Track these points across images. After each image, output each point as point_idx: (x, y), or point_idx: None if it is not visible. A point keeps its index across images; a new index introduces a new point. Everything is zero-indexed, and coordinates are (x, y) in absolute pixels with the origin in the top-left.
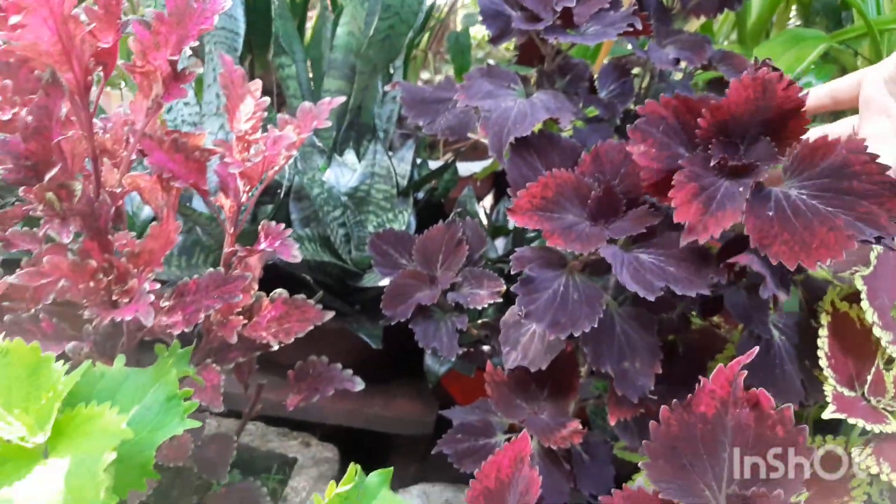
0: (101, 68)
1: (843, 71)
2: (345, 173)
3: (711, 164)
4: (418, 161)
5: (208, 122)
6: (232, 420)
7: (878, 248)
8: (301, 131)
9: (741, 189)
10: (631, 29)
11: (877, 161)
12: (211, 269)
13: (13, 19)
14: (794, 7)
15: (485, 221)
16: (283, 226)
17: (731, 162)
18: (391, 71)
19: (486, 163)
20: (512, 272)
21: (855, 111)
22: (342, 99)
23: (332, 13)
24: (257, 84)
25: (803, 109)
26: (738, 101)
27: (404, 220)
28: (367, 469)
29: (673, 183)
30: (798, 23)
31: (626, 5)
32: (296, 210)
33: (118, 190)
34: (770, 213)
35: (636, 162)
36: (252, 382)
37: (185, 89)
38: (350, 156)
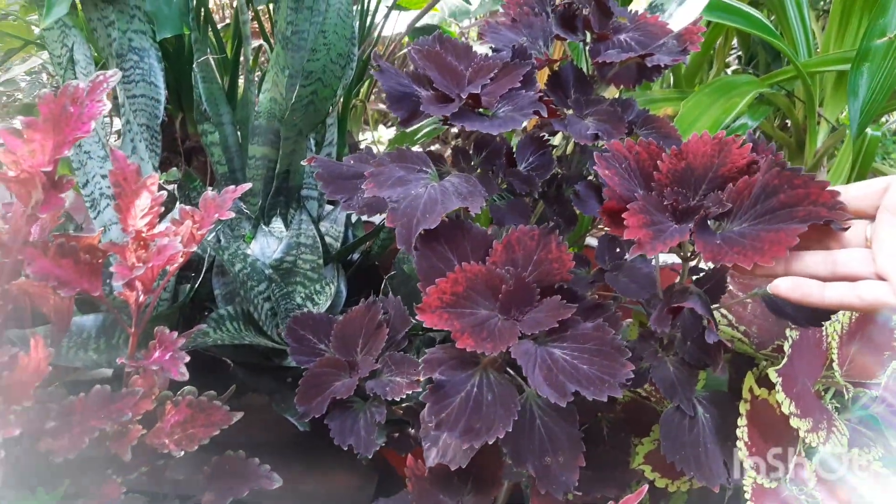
0: None
1: (778, 111)
2: (271, 243)
3: (664, 203)
4: (354, 219)
5: None
6: None
7: (792, 335)
8: (202, 225)
9: (690, 226)
10: (536, 115)
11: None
12: (97, 387)
13: None
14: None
15: None
16: (175, 334)
17: (681, 205)
18: (326, 127)
19: None
20: (420, 378)
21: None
22: (247, 186)
23: (257, 77)
24: (153, 178)
25: (755, 165)
26: (696, 154)
27: (332, 291)
28: None
29: (628, 207)
30: (740, 52)
31: (543, 77)
32: (219, 286)
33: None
34: (718, 241)
35: (551, 247)
36: (166, 481)
37: (63, 199)
38: (277, 223)
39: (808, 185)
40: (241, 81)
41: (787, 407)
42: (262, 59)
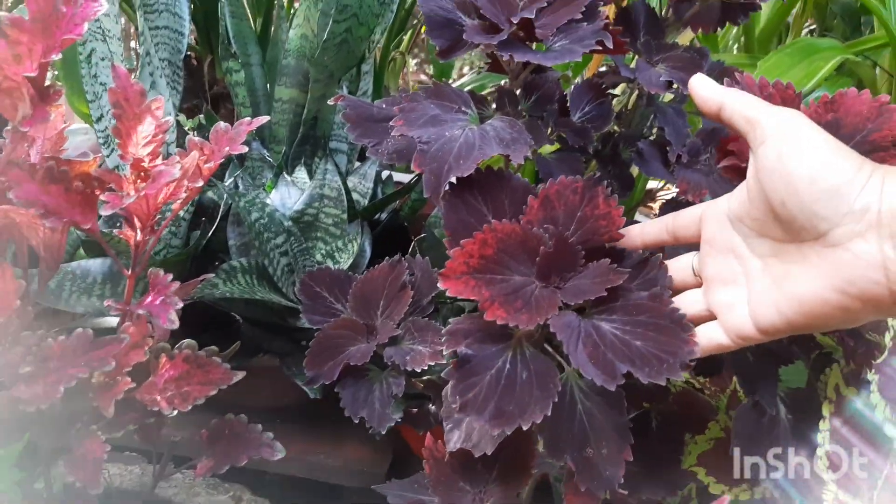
0: None
1: (860, 84)
2: (292, 194)
3: None
4: (385, 175)
5: None
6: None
7: (894, 326)
8: (211, 158)
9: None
10: (600, 47)
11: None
12: (79, 330)
13: None
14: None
15: None
16: (170, 277)
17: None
18: (361, 75)
19: None
20: (444, 351)
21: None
22: (263, 119)
23: (286, 13)
24: (159, 102)
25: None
26: (849, 110)
27: (354, 249)
28: None
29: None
30: (814, 26)
31: (610, 14)
32: (233, 236)
33: None
34: None
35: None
36: (163, 440)
37: (49, 111)
38: (301, 173)
39: None
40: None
41: (882, 411)
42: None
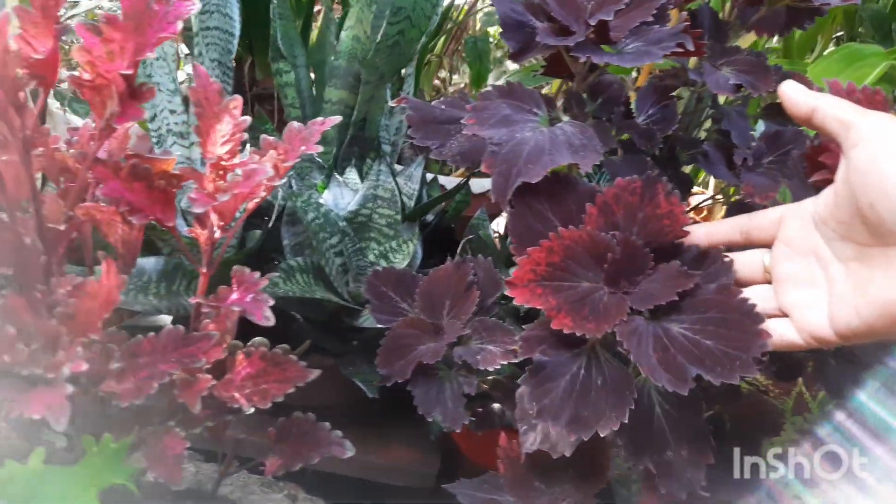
0: (36, 83)
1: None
2: (345, 194)
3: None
4: (429, 178)
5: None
6: (212, 465)
7: None
8: (287, 157)
9: None
10: (681, 50)
11: None
12: (170, 326)
13: None
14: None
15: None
16: (257, 275)
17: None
18: (402, 78)
19: None
20: (519, 358)
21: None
22: (336, 119)
23: (335, 15)
24: (237, 101)
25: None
26: None
27: (409, 250)
28: None
29: None
30: (840, 33)
31: (673, 19)
32: (288, 235)
33: (62, 227)
34: None
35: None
36: (228, 440)
37: (142, 110)
38: (352, 174)
39: None
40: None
41: None
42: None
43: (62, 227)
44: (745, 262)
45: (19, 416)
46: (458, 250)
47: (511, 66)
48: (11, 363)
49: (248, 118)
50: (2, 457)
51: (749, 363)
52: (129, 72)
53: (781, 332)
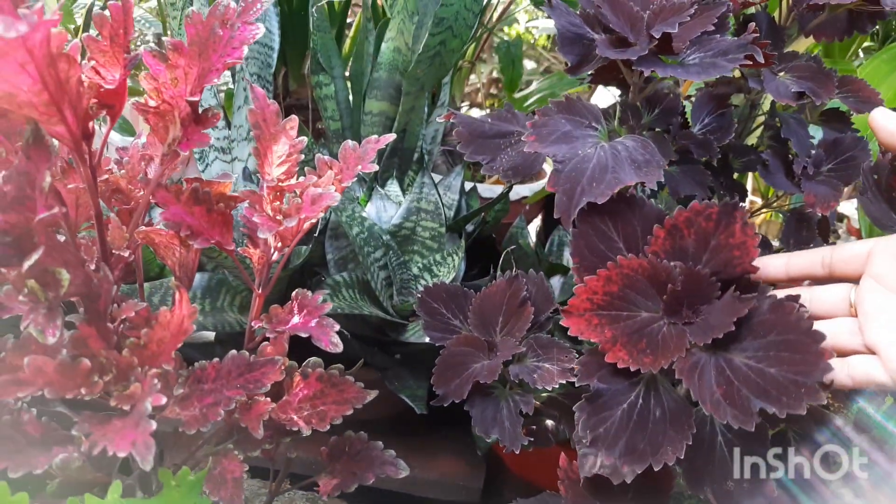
0: (105, 112)
1: None
2: (387, 207)
3: None
4: (467, 187)
5: (238, 147)
6: (258, 481)
7: None
8: (344, 178)
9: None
10: (749, 62)
11: None
12: (234, 352)
13: None
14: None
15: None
16: (320, 298)
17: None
18: (440, 87)
19: (538, 185)
20: (577, 384)
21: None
22: (391, 137)
23: (373, 26)
24: (293, 122)
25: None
26: None
27: (455, 263)
28: None
29: None
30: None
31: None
32: (332, 250)
33: (125, 252)
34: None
35: (734, 229)
36: (280, 459)
37: (207, 135)
38: (393, 186)
39: None
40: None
41: None
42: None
43: (125, 253)
44: (828, 297)
45: (103, 452)
46: (500, 262)
47: (529, 65)
48: (90, 392)
49: (305, 139)
50: (77, 489)
51: (815, 389)
52: (195, 98)
53: (867, 370)
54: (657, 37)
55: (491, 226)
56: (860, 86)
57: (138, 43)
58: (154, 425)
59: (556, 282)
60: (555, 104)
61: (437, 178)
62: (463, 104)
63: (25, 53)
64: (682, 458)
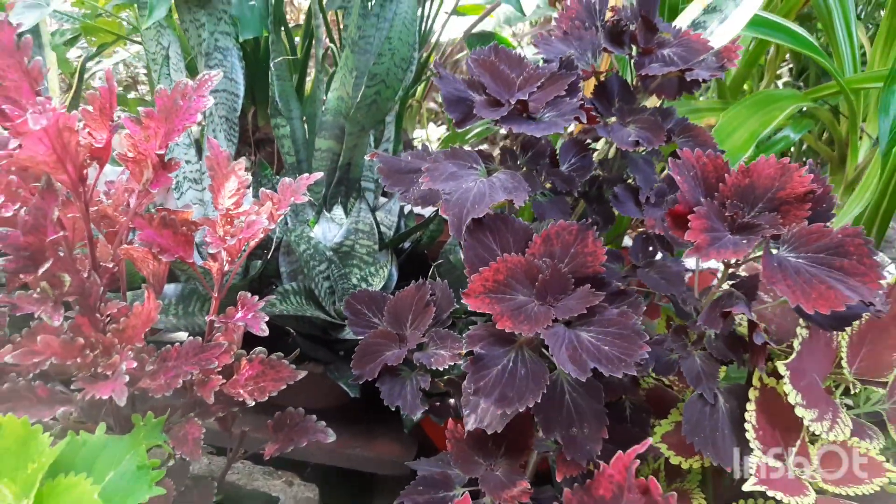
0: (95, 162)
1: (821, 125)
2: (332, 228)
3: (725, 214)
4: (407, 210)
5: (207, 178)
6: (223, 458)
7: (802, 333)
8: (280, 207)
9: (744, 241)
10: (580, 121)
11: (867, 245)
12: (191, 338)
13: (12, 143)
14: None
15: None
16: (255, 298)
17: (740, 219)
18: (385, 125)
19: None
20: (463, 352)
21: None
22: (319, 175)
23: (324, 76)
24: (241, 164)
25: (811, 195)
26: (761, 174)
27: (385, 274)
28: None
29: (694, 211)
30: (792, 65)
31: (589, 88)
32: (284, 264)
33: (110, 264)
34: (775, 264)
35: (587, 241)
36: (236, 429)
37: (170, 178)
38: (338, 211)
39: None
40: (307, 80)
41: (794, 397)
42: (328, 61)
43: (110, 265)
44: None
45: (92, 397)
46: (430, 273)
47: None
48: (84, 363)
49: (249, 177)
50: (74, 429)
51: (631, 365)
52: (162, 151)
53: None
54: (513, 102)
55: (427, 244)
56: (698, 132)
57: (136, 76)
58: (127, 378)
59: None
60: (442, 153)
61: (383, 201)
62: (415, 135)
63: (43, 132)
64: (540, 407)
